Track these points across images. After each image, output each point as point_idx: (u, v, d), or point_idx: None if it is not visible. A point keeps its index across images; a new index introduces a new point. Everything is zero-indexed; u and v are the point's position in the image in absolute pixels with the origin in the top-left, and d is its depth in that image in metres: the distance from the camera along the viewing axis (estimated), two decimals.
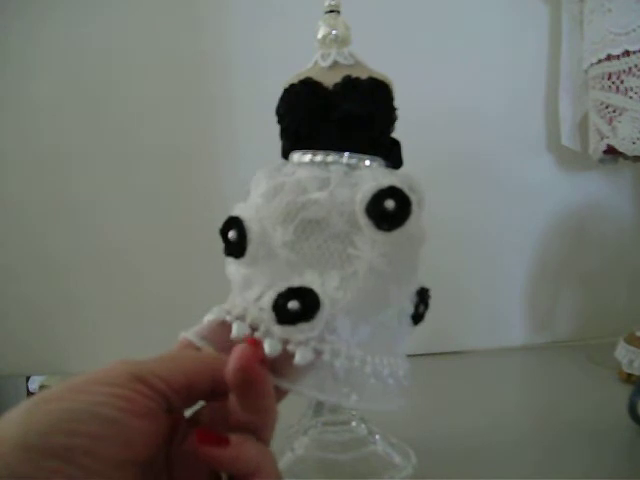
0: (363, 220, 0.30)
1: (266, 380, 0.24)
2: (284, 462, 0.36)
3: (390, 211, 0.30)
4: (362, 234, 0.31)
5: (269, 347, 0.28)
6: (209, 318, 0.31)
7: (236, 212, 0.33)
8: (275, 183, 0.32)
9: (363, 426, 0.37)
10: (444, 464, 0.37)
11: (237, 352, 0.23)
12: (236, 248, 0.32)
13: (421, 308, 0.35)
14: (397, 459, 0.36)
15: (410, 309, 0.34)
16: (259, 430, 0.24)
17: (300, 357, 0.28)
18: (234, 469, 0.23)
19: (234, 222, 0.32)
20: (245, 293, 0.32)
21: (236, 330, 0.29)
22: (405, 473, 0.35)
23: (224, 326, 0.30)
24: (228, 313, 0.30)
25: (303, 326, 0.28)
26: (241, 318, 0.30)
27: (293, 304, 0.28)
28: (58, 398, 0.21)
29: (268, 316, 0.29)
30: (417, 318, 0.35)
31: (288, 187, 0.31)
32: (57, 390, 0.22)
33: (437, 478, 0.35)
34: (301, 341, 0.28)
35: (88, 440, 0.20)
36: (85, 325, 0.63)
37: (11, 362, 0.62)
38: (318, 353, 0.28)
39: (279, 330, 0.28)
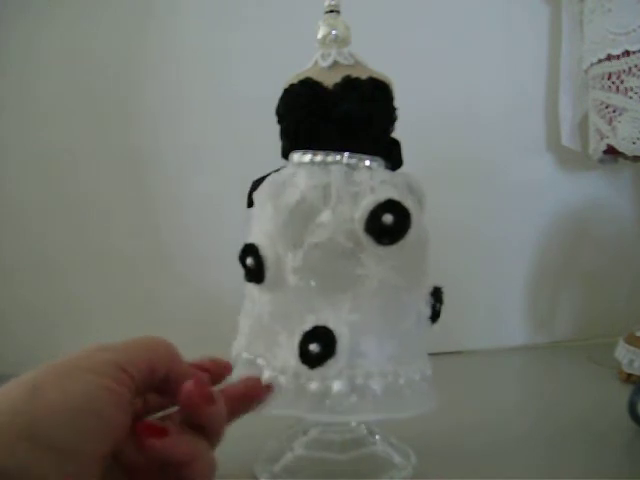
0: (364, 237, 0.30)
1: (212, 410, 0.26)
2: (284, 462, 0.36)
3: (389, 225, 0.30)
4: (367, 251, 0.31)
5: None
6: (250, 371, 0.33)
7: (251, 239, 0.33)
8: (279, 203, 0.32)
9: (363, 426, 0.37)
10: (444, 464, 0.37)
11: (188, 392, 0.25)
12: (256, 274, 0.33)
13: (437, 307, 0.35)
14: (397, 459, 0.36)
15: (427, 311, 0.34)
16: (208, 435, 0.26)
17: (336, 388, 0.30)
18: (172, 458, 0.24)
19: (250, 249, 0.33)
20: (275, 338, 0.32)
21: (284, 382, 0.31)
22: (405, 473, 0.35)
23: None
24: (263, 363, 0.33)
25: (330, 362, 0.30)
26: (282, 371, 0.31)
27: (314, 347, 0.30)
28: (54, 385, 0.21)
29: (301, 366, 0.30)
30: (435, 317, 0.35)
31: (294, 208, 0.31)
32: (48, 376, 0.22)
33: (437, 478, 0.35)
34: (334, 375, 0.30)
35: (85, 437, 0.21)
36: (85, 325, 0.63)
37: (11, 362, 0.62)
38: (352, 379, 0.30)
39: (315, 374, 0.30)
